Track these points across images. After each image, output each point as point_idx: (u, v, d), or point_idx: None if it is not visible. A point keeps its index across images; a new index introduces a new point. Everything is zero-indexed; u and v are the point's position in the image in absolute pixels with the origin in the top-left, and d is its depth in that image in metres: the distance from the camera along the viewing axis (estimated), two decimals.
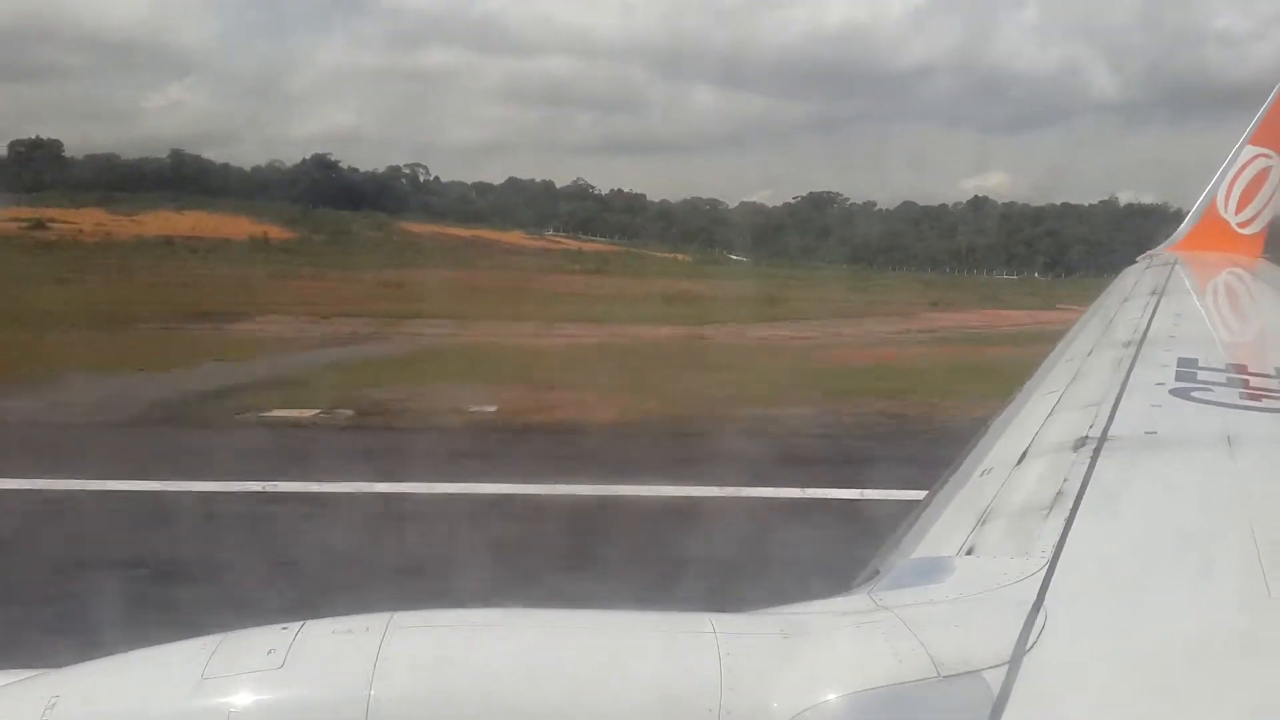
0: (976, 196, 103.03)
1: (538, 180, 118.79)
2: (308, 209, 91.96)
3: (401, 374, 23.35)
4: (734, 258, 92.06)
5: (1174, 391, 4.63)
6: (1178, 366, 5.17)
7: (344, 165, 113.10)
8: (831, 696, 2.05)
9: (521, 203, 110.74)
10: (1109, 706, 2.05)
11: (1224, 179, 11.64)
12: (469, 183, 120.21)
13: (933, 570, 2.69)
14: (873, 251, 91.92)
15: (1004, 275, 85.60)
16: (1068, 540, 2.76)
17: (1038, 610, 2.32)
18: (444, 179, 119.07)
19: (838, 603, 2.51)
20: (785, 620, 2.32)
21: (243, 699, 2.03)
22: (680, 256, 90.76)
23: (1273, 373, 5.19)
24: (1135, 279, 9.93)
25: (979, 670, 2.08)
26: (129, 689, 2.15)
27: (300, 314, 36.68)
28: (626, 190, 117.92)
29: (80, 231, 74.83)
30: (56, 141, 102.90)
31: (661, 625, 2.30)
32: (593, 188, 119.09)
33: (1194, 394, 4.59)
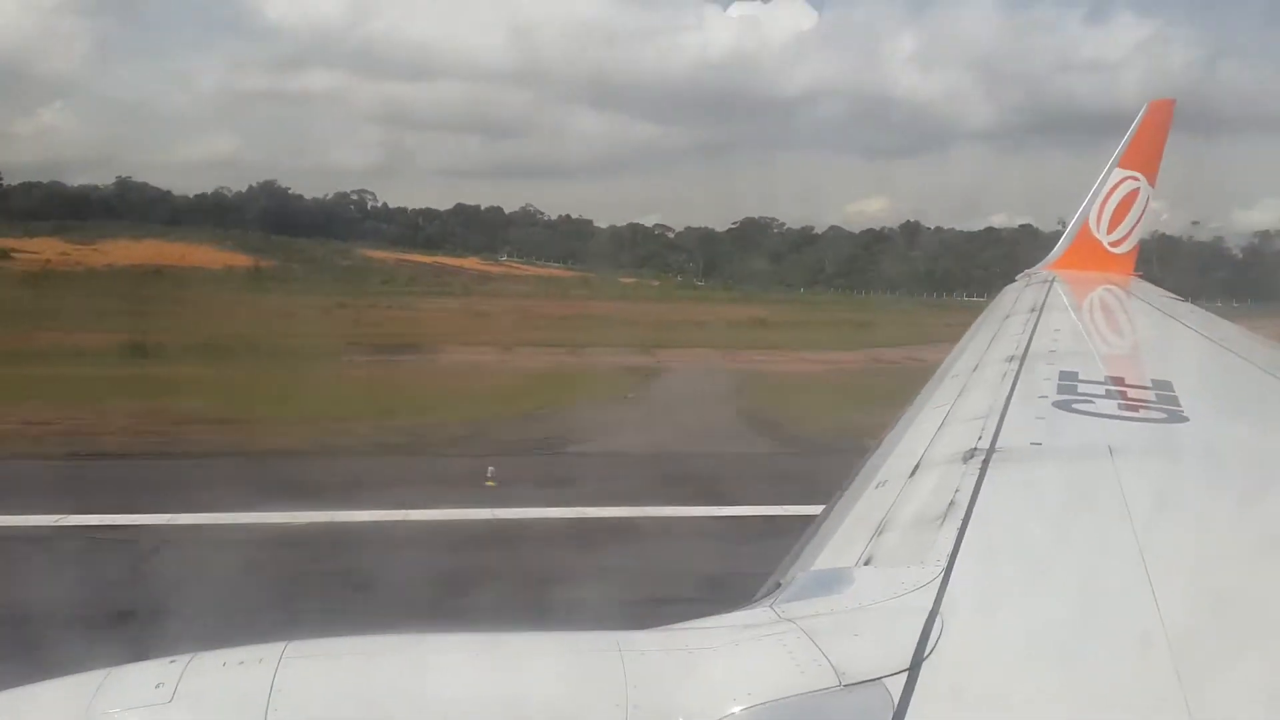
0: (909, 221, 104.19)
1: (483, 207, 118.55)
2: (268, 235, 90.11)
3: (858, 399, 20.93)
4: (698, 283, 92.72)
5: (1056, 404, 4.77)
6: (1059, 380, 5.33)
7: (292, 191, 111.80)
8: (737, 709, 2.06)
9: (467, 228, 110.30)
10: (1006, 709, 2.10)
11: (1095, 200, 12.16)
12: (411, 209, 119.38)
13: (833, 581, 2.72)
14: (829, 275, 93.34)
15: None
16: (961, 549, 2.82)
17: (934, 618, 2.36)
18: (390, 205, 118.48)
19: (740, 615, 2.53)
20: (689, 635, 2.33)
21: None
22: (654, 281, 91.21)
23: (1149, 384, 5.38)
24: (1015, 296, 10.23)
25: (880, 678, 2.11)
26: None
27: (476, 343, 37.21)
28: (574, 216, 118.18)
29: (48, 261, 72.51)
30: None
31: (565, 644, 2.30)
32: (541, 213, 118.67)
33: (1075, 406, 4.74)
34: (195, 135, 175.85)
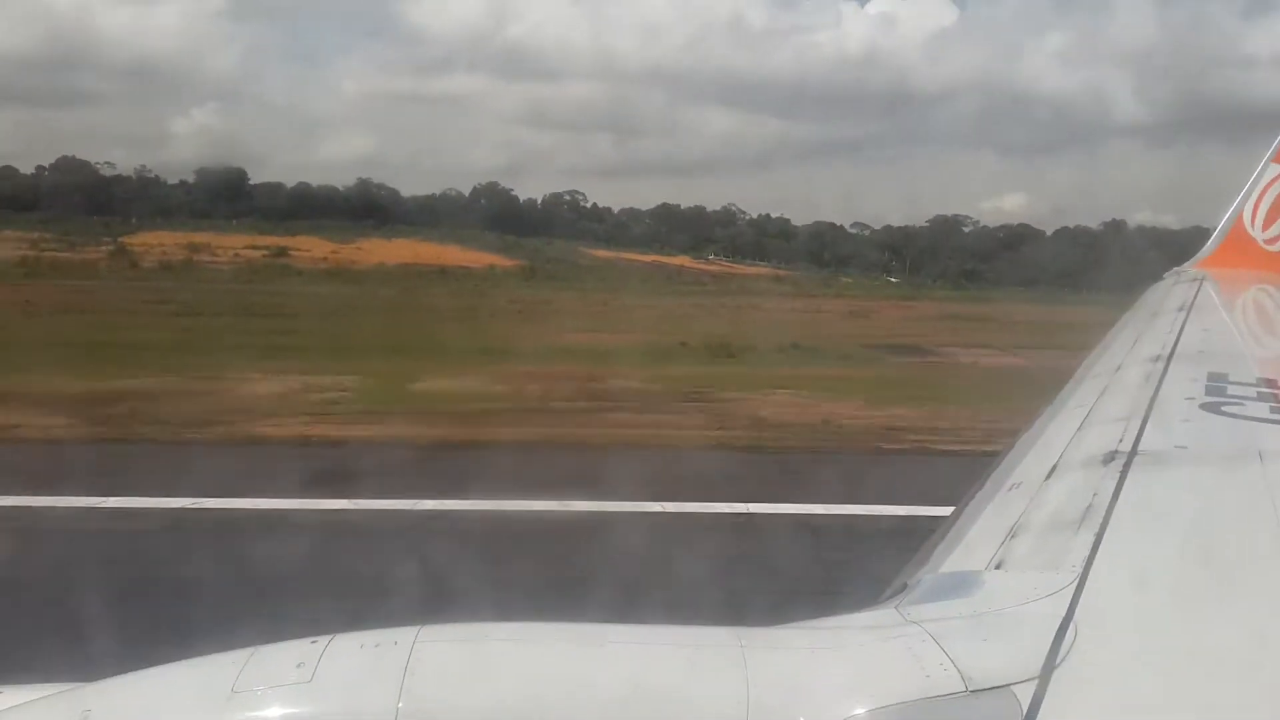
0: (1114, 219, 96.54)
1: (684, 206, 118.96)
2: (501, 236, 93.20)
3: None
4: (892, 280, 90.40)
5: (1204, 406, 4.62)
6: (1207, 381, 5.14)
7: (513, 192, 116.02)
8: (859, 711, 2.03)
9: (674, 227, 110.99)
10: None
11: (1250, 196, 11.54)
12: (617, 209, 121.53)
13: (961, 584, 2.67)
14: (1039, 274, 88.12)
15: None
16: (1098, 555, 2.74)
17: (1068, 625, 2.30)
18: (598, 204, 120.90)
19: (865, 617, 2.50)
20: (812, 634, 2.32)
21: (272, 712, 2.05)
22: (891, 279, 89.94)
23: None
24: (1163, 295, 9.83)
25: (1008, 685, 2.06)
26: (160, 702, 2.17)
27: (954, 345, 37.74)
28: (773, 215, 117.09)
29: (323, 260, 75.48)
30: (240, 170, 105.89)
31: (688, 639, 2.30)
32: (743, 212, 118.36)
33: (1224, 408, 4.58)
34: (338, 135, 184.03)
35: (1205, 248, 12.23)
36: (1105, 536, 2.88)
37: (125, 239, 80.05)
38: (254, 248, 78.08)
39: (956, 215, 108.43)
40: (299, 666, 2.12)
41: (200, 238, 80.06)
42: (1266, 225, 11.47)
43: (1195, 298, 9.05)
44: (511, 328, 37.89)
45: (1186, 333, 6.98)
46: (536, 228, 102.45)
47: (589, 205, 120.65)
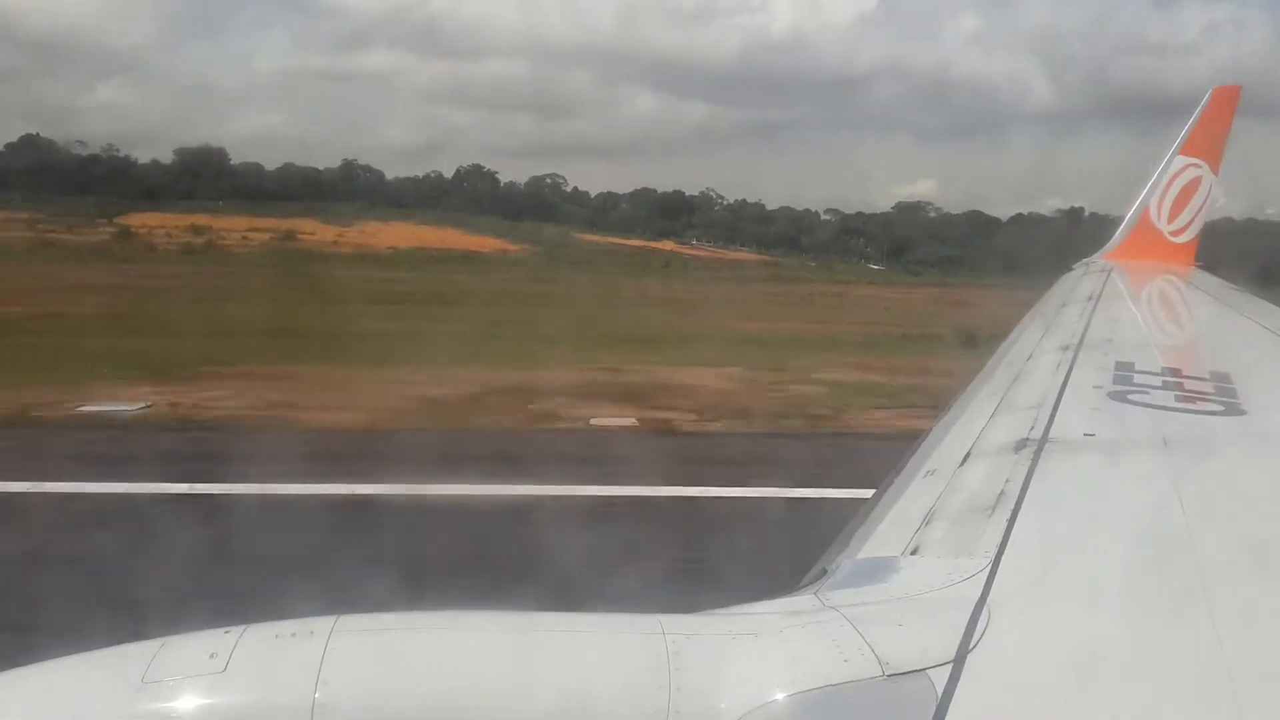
0: (1071, 208, 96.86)
1: (658, 191, 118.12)
2: (492, 220, 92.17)
3: None
4: (874, 267, 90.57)
5: (1111, 394, 4.74)
6: (1115, 370, 5.28)
7: (497, 175, 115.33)
8: (779, 696, 2.06)
9: (649, 212, 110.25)
10: (1052, 704, 2.07)
11: (1156, 188, 11.86)
12: (594, 193, 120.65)
13: (879, 570, 2.72)
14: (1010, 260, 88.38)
15: None
16: (1010, 540, 2.79)
17: (981, 609, 2.34)
18: (579, 188, 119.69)
19: (785, 603, 2.53)
20: (733, 620, 2.34)
21: (185, 703, 2.01)
22: (871, 265, 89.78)
23: (1207, 376, 5.31)
24: (1072, 285, 10.03)
25: (924, 669, 2.10)
26: (67, 694, 2.11)
27: None
28: (750, 200, 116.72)
29: (333, 243, 73.96)
30: (222, 150, 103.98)
31: (610, 626, 2.31)
32: (722, 197, 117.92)
33: (1130, 396, 4.70)
34: (250, 112, 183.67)
35: (1113, 239, 12.52)
36: (1017, 522, 2.95)
37: (120, 220, 78.60)
38: (256, 230, 76.74)
39: (921, 201, 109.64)
40: (212, 657, 2.08)
41: (197, 219, 78.83)
42: (1172, 217, 11.77)
43: (1103, 288, 9.30)
44: (671, 315, 37.54)
45: (1095, 322, 7.14)
46: (520, 211, 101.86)
47: (570, 189, 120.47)
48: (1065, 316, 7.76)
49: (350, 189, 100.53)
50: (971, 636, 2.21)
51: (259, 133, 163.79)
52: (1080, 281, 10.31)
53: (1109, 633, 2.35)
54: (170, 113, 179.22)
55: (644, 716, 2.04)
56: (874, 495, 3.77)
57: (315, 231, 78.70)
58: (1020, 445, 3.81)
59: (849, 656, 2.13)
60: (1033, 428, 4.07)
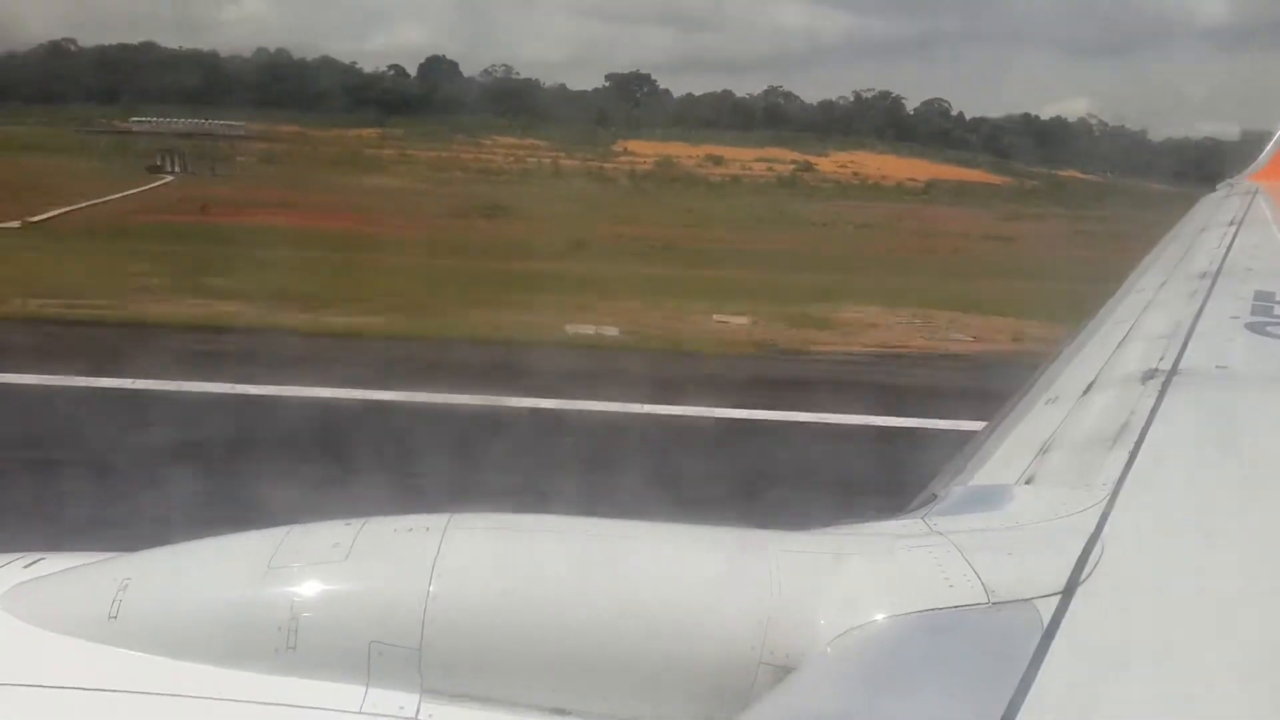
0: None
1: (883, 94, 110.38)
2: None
3: None
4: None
5: (1249, 325, 4.55)
6: (1254, 300, 5.05)
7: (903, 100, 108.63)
8: (879, 616, 2.05)
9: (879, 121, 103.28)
10: (1161, 642, 2.02)
11: None
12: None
13: (990, 498, 2.67)
14: None
15: None
16: (1130, 474, 2.72)
17: (1094, 542, 2.29)
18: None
19: (893, 525, 2.51)
20: (840, 540, 2.33)
21: (307, 589, 2.11)
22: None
23: None
24: (1213, 208, 9.51)
25: (1031, 599, 2.06)
26: (198, 574, 2.25)
27: None
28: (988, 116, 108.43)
29: (852, 173, 73.53)
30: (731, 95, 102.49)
31: (717, 538, 2.33)
32: (949, 106, 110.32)
33: (1269, 328, 4.51)
34: (384, 25, 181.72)
35: (1259, 159, 11.60)
36: (1139, 455, 2.86)
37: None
38: (767, 160, 75.70)
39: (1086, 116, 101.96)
40: (334, 546, 2.18)
41: (675, 149, 78.77)
42: None
43: (1247, 212, 8.76)
44: None
45: (1235, 248, 6.80)
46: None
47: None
48: (1204, 241, 7.39)
49: (623, 112, 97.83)
50: (1083, 570, 2.16)
51: (388, 46, 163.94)
52: (1222, 204, 9.78)
53: (1225, 574, 2.29)
54: (307, 24, 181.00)
55: (743, 628, 2.07)
56: (991, 422, 3.69)
57: (790, 161, 76.55)
58: (1148, 376, 3.68)
59: (954, 582, 2.11)
60: (1162, 358, 3.93)
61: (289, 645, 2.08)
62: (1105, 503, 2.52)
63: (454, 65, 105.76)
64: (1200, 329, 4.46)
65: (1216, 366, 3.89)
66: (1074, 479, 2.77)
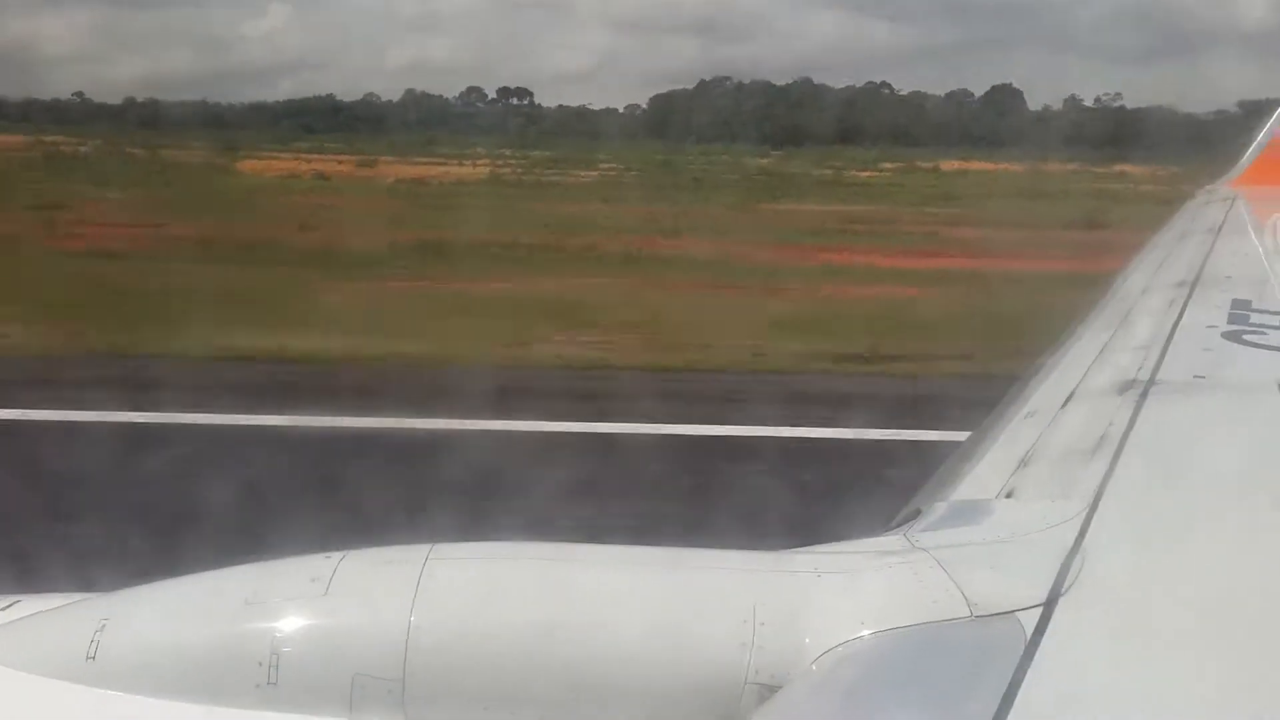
0: None
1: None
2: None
3: None
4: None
5: (1226, 334, 4.57)
6: (1230, 309, 5.08)
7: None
8: (864, 633, 2.05)
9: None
10: (1144, 653, 2.03)
11: None
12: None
13: (971, 513, 2.68)
14: None
15: None
16: (1109, 484, 2.72)
17: (1075, 554, 2.30)
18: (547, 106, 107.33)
19: (873, 542, 2.51)
20: (819, 559, 2.33)
21: (286, 624, 2.10)
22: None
23: None
24: (1192, 215, 9.60)
25: (1013, 611, 2.07)
26: (176, 612, 2.23)
27: None
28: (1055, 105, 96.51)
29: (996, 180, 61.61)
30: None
31: (699, 560, 2.32)
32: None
33: (1246, 337, 4.53)
34: (405, 38, 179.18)
35: (1239, 164, 11.72)
36: (1118, 466, 2.87)
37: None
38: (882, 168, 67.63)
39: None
40: (313, 580, 2.16)
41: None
42: None
43: (1225, 219, 8.85)
44: None
45: (1213, 256, 6.87)
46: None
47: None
48: (1183, 249, 7.48)
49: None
50: (1064, 581, 2.17)
51: (410, 59, 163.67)
52: (1201, 211, 9.90)
53: (1208, 584, 2.29)
54: (333, 42, 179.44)
55: (728, 650, 2.06)
56: (971, 436, 3.70)
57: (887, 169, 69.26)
58: (1126, 387, 3.70)
59: (936, 597, 2.12)
60: (1140, 368, 3.95)
61: (270, 680, 2.06)
62: (1085, 514, 2.53)
63: None
64: (1177, 338, 4.49)
65: (1194, 376, 3.91)
66: (1054, 491, 2.78)
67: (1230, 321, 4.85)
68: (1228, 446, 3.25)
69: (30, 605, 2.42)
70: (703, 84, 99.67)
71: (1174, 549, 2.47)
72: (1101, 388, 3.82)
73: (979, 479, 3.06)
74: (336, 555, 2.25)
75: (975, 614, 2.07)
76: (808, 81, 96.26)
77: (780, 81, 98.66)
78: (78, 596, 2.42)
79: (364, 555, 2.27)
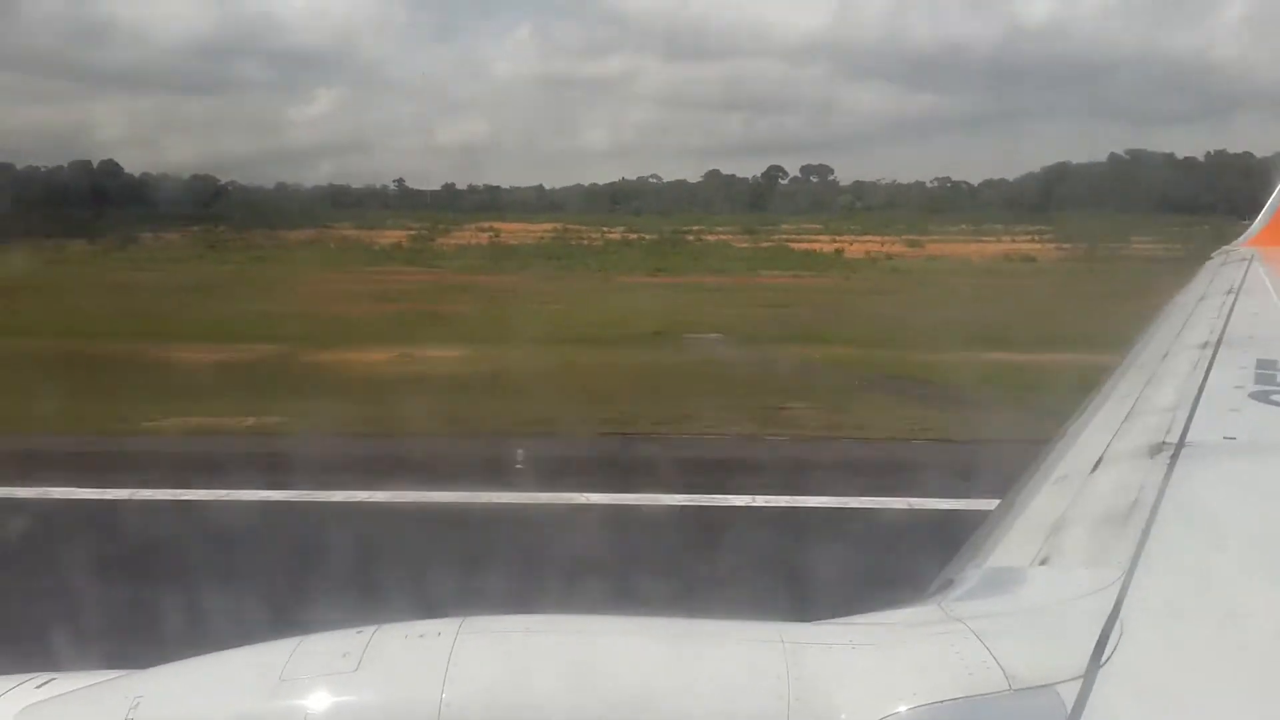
0: None
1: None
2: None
3: None
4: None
5: (1253, 394, 4.55)
6: (1256, 369, 5.06)
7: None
8: (901, 708, 2.02)
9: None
10: None
11: None
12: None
13: (1005, 581, 2.65)
14: None
15: None
16: (1145, 550, 2.70)
17: (1114, 622, 2.27)
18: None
19: (908, 613, 2.48)
20: (854, 630, 2.31)
21: (319, 700, 2.09)
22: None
23: None
24: (1210, 276, 9.59)
25: (1053, 684, 2.04)
26: (210, 689, 2.23)
27: None
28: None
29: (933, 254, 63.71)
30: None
31: (730, 633, 2.31)
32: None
33: (1274, 397, 4.52)
34: (456, 120, 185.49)
35: (1254, 224, 11.75)
36: (1152, 531, 2.85)
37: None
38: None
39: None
40: (344, 656, 2.17)
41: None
42: None
43: (1244, 279, 8.85)
44: None
45: (1235, 317, 6.86)
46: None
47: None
48: (1203, 311, 7.46)
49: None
50: (1103, 651, 2.14)
51: (455, 140, 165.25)
52: (1220, 271, 9.89)
53: (1248, 650, 2.26)
54: (381, 122, 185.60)
55: None
56: (1002, 503, 3.68)
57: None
58: (1156, 450, 3.68)
59: (973, 670, 2.09)
60: (1169, 431, 3.93)
61: None
62: (1121, 582, 2.50)
63: None
64: (1205, 400, 4.47)
65: (1224, 438, 3.88)
66: (1088, 558, 2.76)
67: (1257, 382, 4.82)
68: (1263, 509, 3.22)
69: (65, 684, 2.43)
70: None
71: (1213, 616, 2.44)
72: (1131, 451, 3.80)
73: (1012, 546, 3.03)
74: (369, 629, 2.26)
75: (1014, 687, 2.04)
76: None
77: None
78: (112, 674, 2.42)
79: (396, 629, 2.27)
